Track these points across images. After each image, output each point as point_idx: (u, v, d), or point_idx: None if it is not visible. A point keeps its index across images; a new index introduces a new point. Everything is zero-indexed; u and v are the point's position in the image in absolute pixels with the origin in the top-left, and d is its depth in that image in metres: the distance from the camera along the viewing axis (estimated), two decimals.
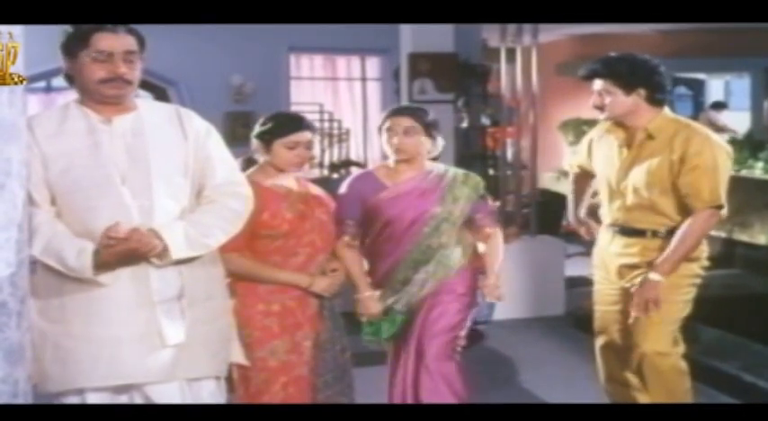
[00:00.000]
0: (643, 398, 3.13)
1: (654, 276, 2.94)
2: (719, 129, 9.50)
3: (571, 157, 3.48)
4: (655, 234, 3.04)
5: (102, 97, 2.30)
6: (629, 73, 2.99)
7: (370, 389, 3.17)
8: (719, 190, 2.97)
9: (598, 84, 3.03)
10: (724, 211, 3.01)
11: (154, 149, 2.31)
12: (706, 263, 3.12)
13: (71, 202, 2.27)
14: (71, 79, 2.35)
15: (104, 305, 2.26)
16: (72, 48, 2.28)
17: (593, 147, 3.25)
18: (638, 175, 3.03)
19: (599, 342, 3.30)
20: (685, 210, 2.99)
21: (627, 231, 3.09)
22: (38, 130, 2.26)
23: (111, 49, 2.25)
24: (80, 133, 2.29)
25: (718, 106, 11.42)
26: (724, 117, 11.08)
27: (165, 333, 2.29)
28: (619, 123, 3.10)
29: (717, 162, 2.95)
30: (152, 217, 2.28)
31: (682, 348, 3.08)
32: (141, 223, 2.25)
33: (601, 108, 3.05)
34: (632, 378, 3.17)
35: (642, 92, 2.99)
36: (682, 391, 3.08)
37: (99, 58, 2.25)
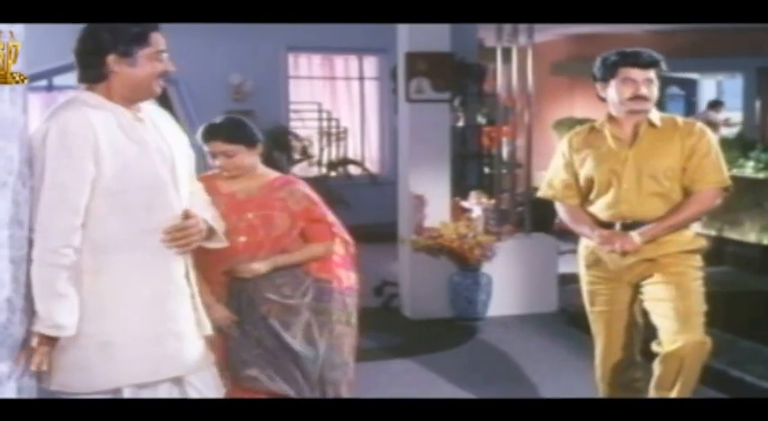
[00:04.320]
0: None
1: (634, 234, 3.01)
2: (715, 127, 9.59)
3: (548, 187, 3.42)
4: None
5: (151, 93, 2.36)
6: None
7: (367, 383, 3.19)
8: (724, 170, 3.08)
9: (645, 74, 3.05)
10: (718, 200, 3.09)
11: (176, 149, 2.39)
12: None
13: (124, 201, 2.24)
14: (103, 77, 2.28)
15: (147, 303, 2.27)
16: (125, 46, 2.27)
17: (574, 156, 3.20)
18: (653, 163, 3.06)
19: (600, 345, 3.23)
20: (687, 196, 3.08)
21: (636, 225, 3.05)
22: (102, 135, 2.22)
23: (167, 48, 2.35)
24: (127, 129, 2.29)
25: (716, 105, 11.57)
26: (723, 113, 11.31)
27: (203, 322, 2.41)
28: (611, 117, 3.14)
29: (712, 144, 3.08)
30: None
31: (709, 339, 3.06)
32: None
33: (645, 98, 3.05)
34: (639, 376, 3.17)
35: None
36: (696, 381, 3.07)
37: (157, 58, 2.34)
